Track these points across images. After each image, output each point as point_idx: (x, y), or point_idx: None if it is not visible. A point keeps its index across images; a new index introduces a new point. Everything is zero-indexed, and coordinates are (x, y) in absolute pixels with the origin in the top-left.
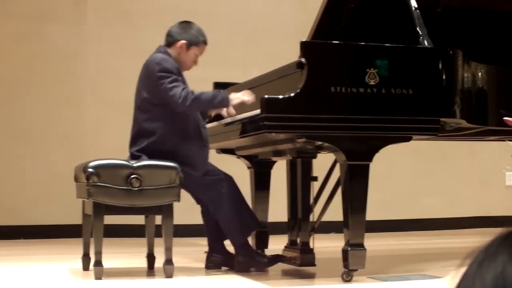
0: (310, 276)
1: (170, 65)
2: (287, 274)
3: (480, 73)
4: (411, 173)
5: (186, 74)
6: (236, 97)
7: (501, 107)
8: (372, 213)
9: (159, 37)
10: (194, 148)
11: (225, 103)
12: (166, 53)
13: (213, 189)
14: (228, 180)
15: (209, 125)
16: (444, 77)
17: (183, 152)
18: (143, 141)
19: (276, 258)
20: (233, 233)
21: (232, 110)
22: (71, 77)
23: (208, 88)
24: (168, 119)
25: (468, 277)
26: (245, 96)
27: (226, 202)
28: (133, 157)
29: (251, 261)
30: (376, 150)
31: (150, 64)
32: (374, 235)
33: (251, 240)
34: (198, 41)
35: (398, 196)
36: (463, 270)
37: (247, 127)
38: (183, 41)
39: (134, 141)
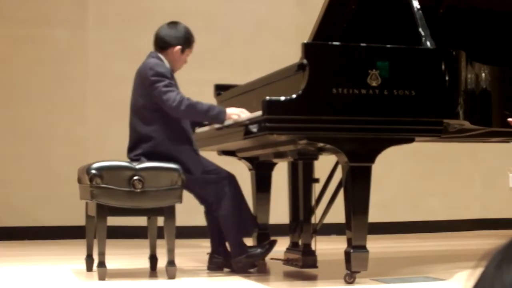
0: (312, 278)
1: (163, 70)
2: (289, 276)
3: (483, 74)
4: (412, 175)
5: (186, 76)
6: (233, 113)
7: (505, 108)
8: (373, 215)
9: None
10: (186, 152)
11: (220, 119)
12: (158, 58)
13: (215, 186)
14: (231, 178)
15: (210, 127)
16: (447, 78)
17: (177, 156)
18: (140, 146)
19: (270, 245)
20: (230, 231)
21: (242, 119)
22: (73, 80)
23: (208, 90)
24: (162, 123)
25: (486, 279)
26: (242, 114)
27: (227, 200)
28: (134, 159)
29: (247, 258)
30: (378, 151)
31: (144, 70)
32: (376, 237)
33: (252, 242)
34: (190, 43)
35: (399, 198)
36: (478, 271)
37: (249, 129)
38: (178, 47)
39: (132, 148)
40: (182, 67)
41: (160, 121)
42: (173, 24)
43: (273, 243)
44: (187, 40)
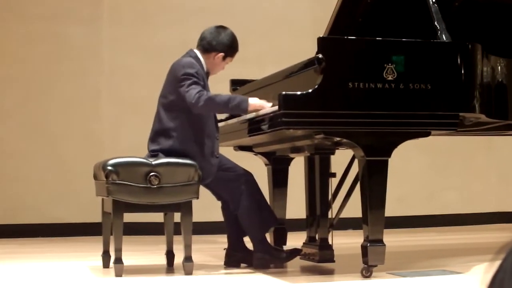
0: (329, 272)
1: (194, 71)
2: (306, 271)
3: (499, 67)
4: (429, 168)
5: None
6: (256, 104)
7: None
8: (390, 209)
9: (175, 35)
10: (206, 157)
11: (243, 107)
12: (195, 58)
13: (232, 185)
14: (248, 176)
15: (226, 122)
16: (463, 71)
17: (194, 158)
18: (160, 141)
19: (294, 252)
20: (251, 228)
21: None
22: (88, 76)
23: (224, 85)
24: (186, 124)
25: (505, 271)
26: (264, 106)
27: (245, 198)
28: (151, 155)
29: (269, 257)
30: (395, 145)
31: (177, 67)
32: (392, 231)
33: (269, 237)
34: (233, 52)
35: (416, 192)
36: (496, 264)
37: (265, 124)
38: (221, 54)
39: (153, 139)
40: (218, 72)
41: (184, 121)
42: (222, 29)
43: (298, 252)
44: (231, 49)
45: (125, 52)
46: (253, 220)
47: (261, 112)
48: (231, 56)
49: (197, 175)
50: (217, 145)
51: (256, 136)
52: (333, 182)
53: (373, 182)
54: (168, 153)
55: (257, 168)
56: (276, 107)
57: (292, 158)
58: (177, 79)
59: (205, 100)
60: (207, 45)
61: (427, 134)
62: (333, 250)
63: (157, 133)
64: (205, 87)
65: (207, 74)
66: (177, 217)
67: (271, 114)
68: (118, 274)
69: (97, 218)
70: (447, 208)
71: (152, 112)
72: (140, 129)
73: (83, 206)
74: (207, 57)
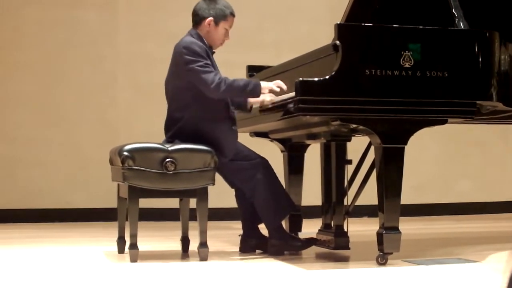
0: (344, 260)
1: (198, 48)
2: (321, 257)
3: None
4: (445, 156)
5: (216, 58)
6: (267, 86)
7: None
8: (406, 197)
9: (190, 20)
10: (223, 132)
11: (257, 91)
12: (196, 36)
13: (249, 173)
14: (264, 163)
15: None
16: (480, 59)
17: (212, 136)
18: (173, 127)
19: (310, 241)
20: (267, 215)
21: (266, 103)
22: (103, 62)
23: (241, 71)
24: (196, 103)
25: None
26: (275, 86)
27: (262, 185)
28: (168, 141)
29: (285, 245)
30: (411, 133)
31: (179, 49)
32: (408, 219)
33: (284, 224)
34: (225, 15)
35: (431, 180)
36: None
37: (282, 110)
38: (210, 18)
39: (167, 128)
40: (223, 42)
41: (193, 101)
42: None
43: (314, 241)
44: (220, 12)
45: (141, 38)
46: (269, 208)
47: (279, 98)
48: (223, 19)
49: (213, 161)
50: (235, 116)
51: (272, 122)
52: (349, 169)
53: (389, 169)
54: (183, 137)
55: (273, 154)
56: (293, 94)
57: (308, 145)
58: (182, 60)
59: (226, 86)
60: (195, 17)
61: (443, 122)
62: (348, 237)
63: (169, 124)
64: (212, 65)
65: (211, 49)
66: (192, 203)
67: (288, 100)
68: (133, 259)
69: (112, 203)
70: (463, 197)
71: None
72: (156, 115)
73: (99, 191)
74: (201, 29)
